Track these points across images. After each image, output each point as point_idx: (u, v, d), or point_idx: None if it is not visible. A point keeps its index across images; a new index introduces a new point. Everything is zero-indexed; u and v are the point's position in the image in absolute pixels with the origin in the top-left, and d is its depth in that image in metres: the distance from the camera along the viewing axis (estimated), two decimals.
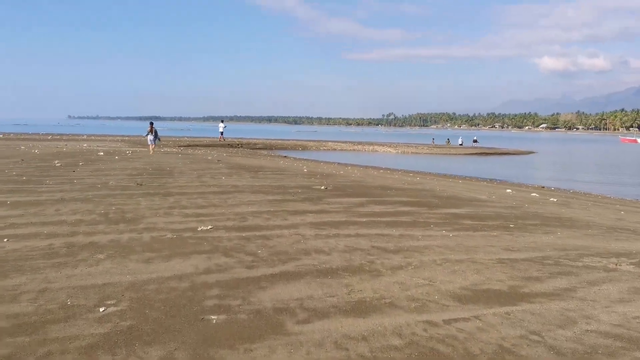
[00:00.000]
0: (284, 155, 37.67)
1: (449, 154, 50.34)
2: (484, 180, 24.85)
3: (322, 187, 14.11)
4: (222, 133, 50.77)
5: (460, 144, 66.74)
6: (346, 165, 28.70)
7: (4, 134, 54.92)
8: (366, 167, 28.34)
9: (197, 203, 11.03)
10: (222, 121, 52.35)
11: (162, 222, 8.93)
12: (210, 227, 8.54)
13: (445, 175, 25.74)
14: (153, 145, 30.10)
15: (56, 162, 20.74)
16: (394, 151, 50.85)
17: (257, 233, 8.21)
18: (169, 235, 7.96)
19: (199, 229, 8.43)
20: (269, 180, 15.88)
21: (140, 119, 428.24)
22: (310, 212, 10.21)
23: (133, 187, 13.60)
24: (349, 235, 8.17)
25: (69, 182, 14.14)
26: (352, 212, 10.37)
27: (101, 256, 6.70)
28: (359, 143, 58.99)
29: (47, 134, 57.08)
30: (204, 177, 16.38)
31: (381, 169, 27.53)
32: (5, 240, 7.48)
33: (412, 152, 50.22)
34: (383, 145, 55.23)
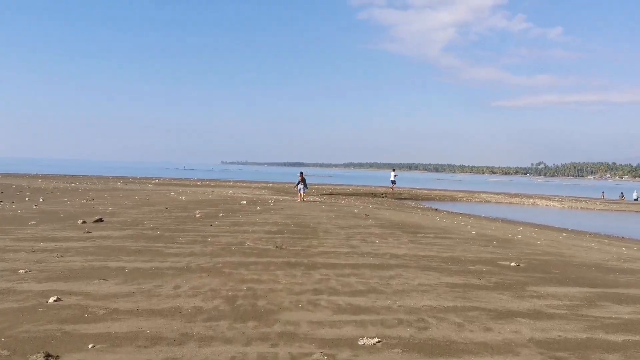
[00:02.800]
0: (435, 208, 34.08)
1: (630, 211, 42.92)
2: None
3: (512, 264, 10.59)
4: (393, 182, 46.84)
5: (635, 199, 57.61)
6: (515, 223, 24.44)
7: (159, 179, 58.10)
8: (541, 227, 23.81)
9: (351, 284, 8.20)
10: (394, 169, 48.31)
11: (306, 323, 6.18)
12: (376, 339, 5.59)
13: None
14: (302, 195, 29.87)
15: (197, 212, 19.51)
16: (559, 206, 44.66)
17: None
18: (317, 354, 5.15)
19: (360, 342, 5.53)
20: (435, 247, 12.67)
21: (285, 164, 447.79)
22: (520, 314, 6.83)
23: (272, 250, 11.26)
24: None
25: (202, 241, 12.21)
26: (587, 318, 6.78)
27: None
28: (516, 195, 53.23)
29: (198, 180, 59.36)
30: (353, 238, 13.66)
31: (563, 231, 22.84)
32: (90, 346, 5.20)
33: (582, 208, 43.63)
34: (545, 199, 49.06)
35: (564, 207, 43.94)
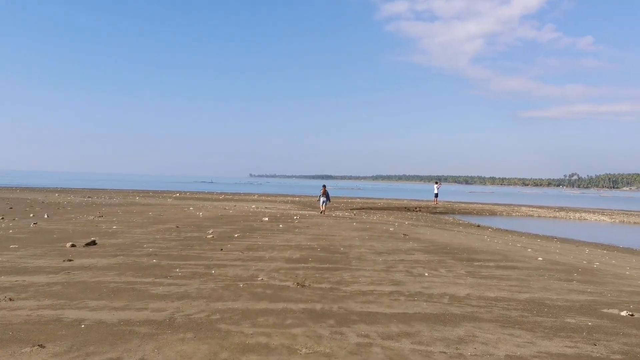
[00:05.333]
0: (477, 224, 30.94)
1: None
2: None
3: (622, 313, 7.58)
4: (436, 195, 45.88)
5: None
6: (577, 243, 21.24)
7: (181, 192, 56.12)
8: (609, 248, 20.54)
9: (404, 356, 5.42)
10: (437, 182, 47.48)
11: None
12: None
13: None
14: (324, 207, 29.86)
15: (210, 231, 17.01)
16: (610, 220, 40.90)
17: None
18: None
19: None
20: (503, 283, 9.77)
21: (313, 177, 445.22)
22: None
23: (291, 289, 8.57)
24: None
25: (204, 274, 9.60)
26: None
27: None
28: (560, 209, 49.49)
29: (221, 193, 57.16)
30: (395, 269, 10.87)
31: (635, 252, 19.58)
32: None
33: (635, 223, 39.84)
34: (592, 213, 45.31)
35: (615, 222, 40.18)
